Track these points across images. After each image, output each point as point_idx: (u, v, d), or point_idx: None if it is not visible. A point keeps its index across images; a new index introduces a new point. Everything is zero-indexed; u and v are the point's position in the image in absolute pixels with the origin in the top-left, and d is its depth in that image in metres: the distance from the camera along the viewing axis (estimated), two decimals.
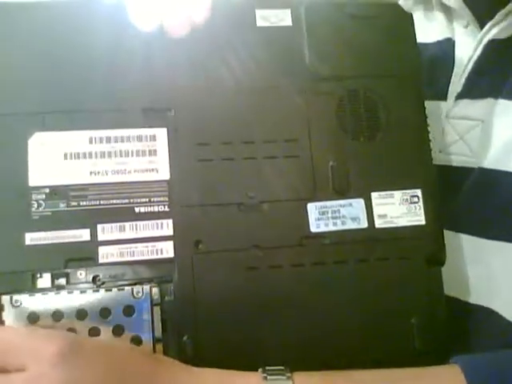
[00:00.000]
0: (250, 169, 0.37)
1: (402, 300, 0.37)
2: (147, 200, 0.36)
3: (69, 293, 0.34)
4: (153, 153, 0.36)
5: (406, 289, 0.37)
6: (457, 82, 0.43)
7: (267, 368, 0.32)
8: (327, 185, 0.37)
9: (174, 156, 0.36)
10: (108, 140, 0.36)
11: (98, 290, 0.34)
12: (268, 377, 0.32)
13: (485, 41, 0.41)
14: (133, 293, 0.34)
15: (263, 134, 0.37)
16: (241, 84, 0.38)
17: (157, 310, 0.34)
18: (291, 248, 0.36)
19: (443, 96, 0.43)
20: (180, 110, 0.37)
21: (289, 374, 0.32)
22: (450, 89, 0.43)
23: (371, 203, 0.38)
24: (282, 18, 0.39)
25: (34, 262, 0.34)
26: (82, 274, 0.34)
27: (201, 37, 0.37)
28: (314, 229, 0.37)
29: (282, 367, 0.32)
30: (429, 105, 0.40)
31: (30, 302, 0.33)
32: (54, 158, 0.35)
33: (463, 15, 0.43)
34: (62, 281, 0.34)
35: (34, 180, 0.35)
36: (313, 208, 0.37)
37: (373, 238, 0.37)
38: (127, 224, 0.35)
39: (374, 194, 0.38)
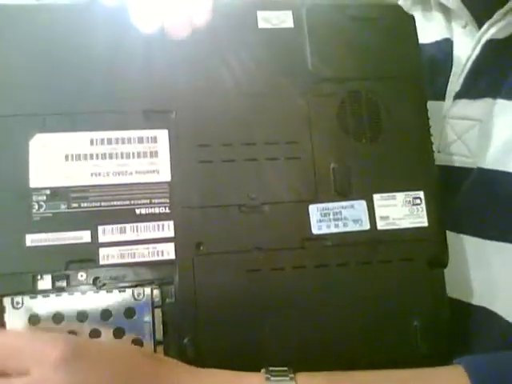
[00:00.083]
0: (251, 170, 0.37)
1: (405, 302, 0.36)
2: (148, 201, 0.35)
3: (70, 295, 0.34)
4: (154, 154, 0.36)
5: (408, 291, 0.37)
6: (455, 82, 0.43)
7: (270, 369, 0.32)
8: (329, 186, 0.37)
9: (175, 157, 0.36)
10: (109, 141, 0.36)
11: (98, 292, 0.34)
12: (271, 377, 0.32)
13: (483, 40, 0.41)
14: (134, 295, 0.34)
15: (264, 135, 0.37)
16: (242, 86, 0.38)
17: (158, 312, 0.34)
18: (293, 250, 0.36)
19: (441, 96, 0.43)
20: (181, 111, 0.37)
21: (292, 375, 0.32)
22: (448, 89, 0.43)
23: (373, 205, 0.37)
24: (283, 19, 0.39)
25: (34, 263, 0.34)
26: (82, 276, 0.34)
27: (202, 38, 0.37)
28: (315, 231, 0.36)
29: (285, 368, 0.32)
30: (427, 105, 0.40)
31: (32, 304, 0.33)
32: (55, 160, 0.35)
33: (461, 15, 0.43)
34: (63, 282, 0.34)
35: (34, 181, 0.35)
36: (314, 210, 0.37)
37: (375, 240, 0.37)
38: (128, 225, 0.35)
39: (376, 196, 0.38)
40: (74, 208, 0.35)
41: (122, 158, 0.36)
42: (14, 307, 0.33)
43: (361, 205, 0.37)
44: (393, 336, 0.36)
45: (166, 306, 0.34)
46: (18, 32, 0.36)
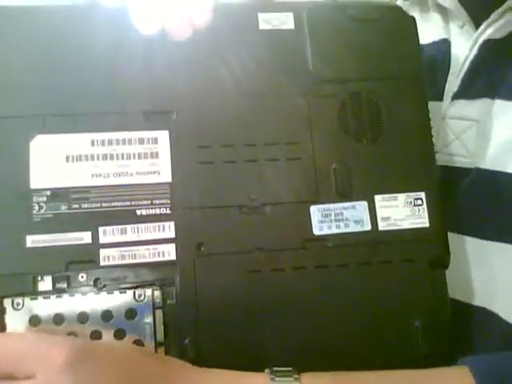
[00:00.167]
0: (251, 171, 0.37)
1: (406, 303, 0.36)
2: (149, 202, 0.35)
3: (70, 296, 0.33)
4: (155, 155, 0.36)
5: (409, 291, 0.37)
6: (453, 82, 0.43)
7: (274, 369, 0.32)
8: (330, 187, 0.37)
9: (176, 158, 0.36)
10: (110, 142, 0.36)
11: (99, 293, 0.34)
12: (276, 378, 0.31)
13: (480, 40, 0.41)
14: (135, 296, 0.34)
15: (265, 136, 0.37)
16: (242, 86, 0.38)
17: (159, 313, 0.34)
18: (294, 251, 0.36)
19: (440, 96, 0.43)
20: (182, 112, 0.37)
21: (296, 376, 0.31)
22: (446, 89, 0.43)
23: (374, 206, 0.37)
24: (284, 21, 0.39)
25: (35, 264, 0.34)
26: (83, 277, 0.34)
27: (203, 40, 0.37)
28: (316, 231, 0.36)
29: (289, 368, 0.32)
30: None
31: (32, 305, 0.33)
32: (56, 161, 0.35)
33: (459, 16, 0.43)
34: (63, 284, 0.34)
35: (35, 182, 0.34)
36: (316, 210, 0.37)
37: (376, 241, 0.37)
38: (129, 226, 0.35)
39: (377, 197, 0.38)
40: (75, 209, 0.35)
41: (122, 158, 0.36)
42: (14, 308, 0.33)
43: (362, 205, 0.37)
44: (394, 336, 0.36)
45: (167, 307, 0.34)
46: (19, 33, 0.36)
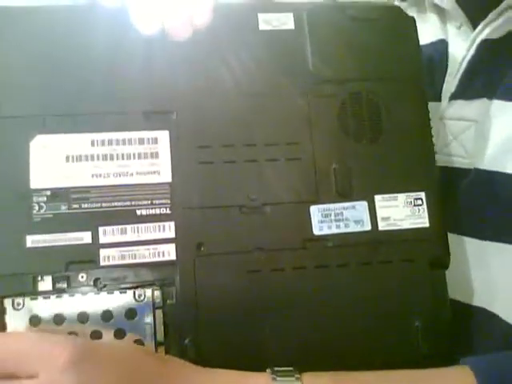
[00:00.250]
0: (251, 171, 0.37)
1: (406, 303, 0.36)
2: (149, 202, 0.35)
3: (70, 296, 0.34)
4: (155, 155, 0.36)
5: (409, 291, 0.37)
6: (450, 83, 0.43)
7: (276, 369, 0.32)
8: (330, 187, 0.37)
9: (176, 158, 0.36)
10: (110, 143, 0.36)
11: (99, 293, 0.34)
12: (277, 378, 0.31)
13: (478, 41, 0.41)
14: (135, 296, 0.34)
15: (265, 136, 0.37)
16: (243, 87, 0.38)
17: (159, 313, 0.34)
18: (294, 251, 0.36)
19: (438, 97, 0.43)
20: (182, 112, 0.37)
21: (298, 375, 0.31)
22: (443, 90, 0.43)
23: (374, 206, 0.37)
24: (284, 21, 0.39)
25: (35, 264, 0.34)
26: (83, 277, 0.34)
27: (203, 40, 0.37)
28: (316, 231, 0.36)
29: (290, 368, 0.32)
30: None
31: (32, 305, 0.33)
32: (56, 161, 0.35)
33: (456, 16, 0.43)
34: (63, 284, 0.34)
35: (35, 182, 0.35)
36: (315, 210, 0.37)
37: (376, 241, 0.37)
38: (129, 226, 0.35)
39: (377, 197, 0.38)
40: (75, 209, 0.35)
41: (122, 158, 0.36)
42: (14, 308, 0.33)
43: (362, 205, 0.37)
44: (394, 336, 0.36)
45: (167, 307, 0.34)
46: (19, 33, 0.36)
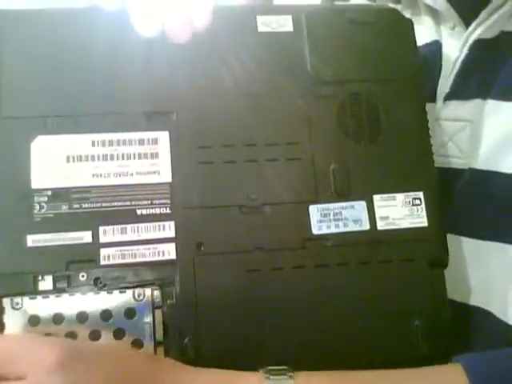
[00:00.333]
0: (251, 171, 0.37)
1: (405, 302, 0.36)
2: (149, 202, 0.36)
3: (70, 295, 0.34)
4: (155, 156, 0.36)
5: (408, 291, 0.37)
6: (445, 84, 0.43)
7: (269, 368, 0.32)
8: (329, 187, 0.37)
9: (176, 158, 0.36)
10: (110, 143, 0.36)
11: (99, 293, 0.34)
12: (270, 376, 0.31)
13: (470, 41, 0.41)
14: (134, 295, 0.34)
15: (265, 136, 0.37)
16: (242, 87, 0.38)
17: (158, 312, 0.34)
18: (293, 250, 0.36)
19: (432, 98, 0.43)
20: (182, 113, 0.37)
21: (291, 374, 0.32)
22: (438, 90, 0.43)
23: (373, 205, 0.37)
24: (283, 23, 0.40)
25: (35, 263, 0.34)
26: (83, 276, 0.34)
27: (202, 41, 0.38)
28: (316, 231, 0.37)
29: (284, 367, 0.32)
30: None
31: (31, 305, 0.33)
32: (57, 161, 0.35)
33: (449, 17, 0.43)
34: (64, 283, 0.34)
35: (36, 182, 0.35)
36: (315, 210, 0.37)
37: (375, 240, 0.37)
38: (129, 226, 0.35)
39: (375, 197, 0.38)
40: (75, 209, 0.35)
41: (123, 159, 0.36)
42: (13, 308, 0.33)
43: (361, 205, 0.37)
44: (393, 336, 0.36)
45: (167, 307, 0.34)
46: (20, 35, 0.37)
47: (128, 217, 0.35)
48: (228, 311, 0.35)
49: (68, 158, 0.36)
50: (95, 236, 0.34)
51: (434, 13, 0.45)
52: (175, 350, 0.34)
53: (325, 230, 0.37)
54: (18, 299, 0.33)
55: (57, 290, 0.34)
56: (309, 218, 0.37)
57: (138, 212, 0.35)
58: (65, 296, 0.34)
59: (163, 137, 0.37)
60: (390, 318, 0.36)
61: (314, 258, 0.36)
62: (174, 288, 0.35)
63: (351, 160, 0.38)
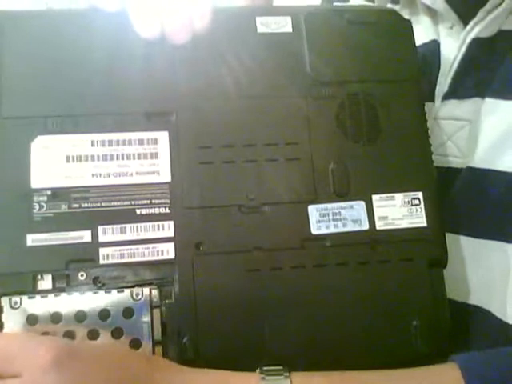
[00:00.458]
0: (250, 171, 0.37)
1: (404, 302, 0.36)
2: (148, 202, 0.36)
3: (68, 295, 0.34)
4: (154, 156, 0.36)
5: (407, 291, 0.37)
6: (443, 83, 0.43)
7: (265, 368, 0.32)
8: (328, 187, 0.37)
9: (176, 159, 0.36)
10: (110, 143, 0.36)
11: (97, 292, 0.34)
12: (266, 377, 0.31)
13: (468, 40, 0.41)
14: (132, 295, 0.34)
15: (264, 137, 0.38)
16: (242, 88, 0.38)
17: (156, 312, 0.34)
18: (292, 250, 0.36)
19: (431, 97, 0.43)
20: (181, 113, 0.37)
21: (287, 374, 0.32)
22: (436, 90, 0.43)
23: (372, 205, 0.37)
24: (282, 24, 0.40)
25: (35, 263, 0.34)
26: (83, 276, 0.34)
27: (202, 42, 0.38)
28: (315, 231, 0.37)
29: (280, 367, 0.32)
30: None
31: (30, 304, 0.33)
32: (57, 161, 0.35)
33: (448, 17, 0.43)
34: (63, 282, 0.34)
35: (36, 182, 0.35)
36: (314, 210, 0.37)
37: (374, 240, 0.37)
38: (128, 226, 0.35)
39: (374, 197, 0.38)
40: (75, 208, 0.35)
41: (122, 159, 0.36)
42: (12, 307, 0.33)
43: (360, 205, 0.37)
44: (392, 336, 0.36)
45: (166, 306, 0.34)
46: (21, 36, 0.37)
47: (127, 216, 0.35)
48: (227, 311, 0.35)
49: (68, 157, 0.36)
50: (95, 235, 0.35)
51: (432, 12, 0.45)
52: (174, 350, 0.34)
53: (324, 230, 0.37)
54: (16, 298, 0.33)
55: (56, 290, 0.34)
56: (308, 217, 0.37)
57: (138, 212, 0.35)
58: (63, 295, 0.34)
59: (163, 137, 0.37)
60: (389, 317, 0.36)
61: (313, 257, 0.36)
62: (173, 287, 0.35)
63: (350, 160, 0.38)
